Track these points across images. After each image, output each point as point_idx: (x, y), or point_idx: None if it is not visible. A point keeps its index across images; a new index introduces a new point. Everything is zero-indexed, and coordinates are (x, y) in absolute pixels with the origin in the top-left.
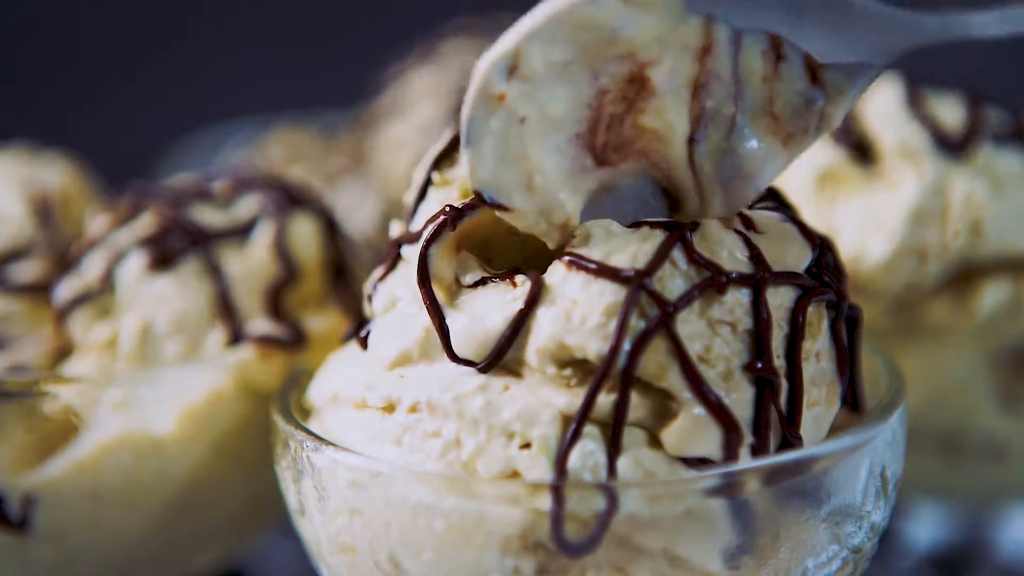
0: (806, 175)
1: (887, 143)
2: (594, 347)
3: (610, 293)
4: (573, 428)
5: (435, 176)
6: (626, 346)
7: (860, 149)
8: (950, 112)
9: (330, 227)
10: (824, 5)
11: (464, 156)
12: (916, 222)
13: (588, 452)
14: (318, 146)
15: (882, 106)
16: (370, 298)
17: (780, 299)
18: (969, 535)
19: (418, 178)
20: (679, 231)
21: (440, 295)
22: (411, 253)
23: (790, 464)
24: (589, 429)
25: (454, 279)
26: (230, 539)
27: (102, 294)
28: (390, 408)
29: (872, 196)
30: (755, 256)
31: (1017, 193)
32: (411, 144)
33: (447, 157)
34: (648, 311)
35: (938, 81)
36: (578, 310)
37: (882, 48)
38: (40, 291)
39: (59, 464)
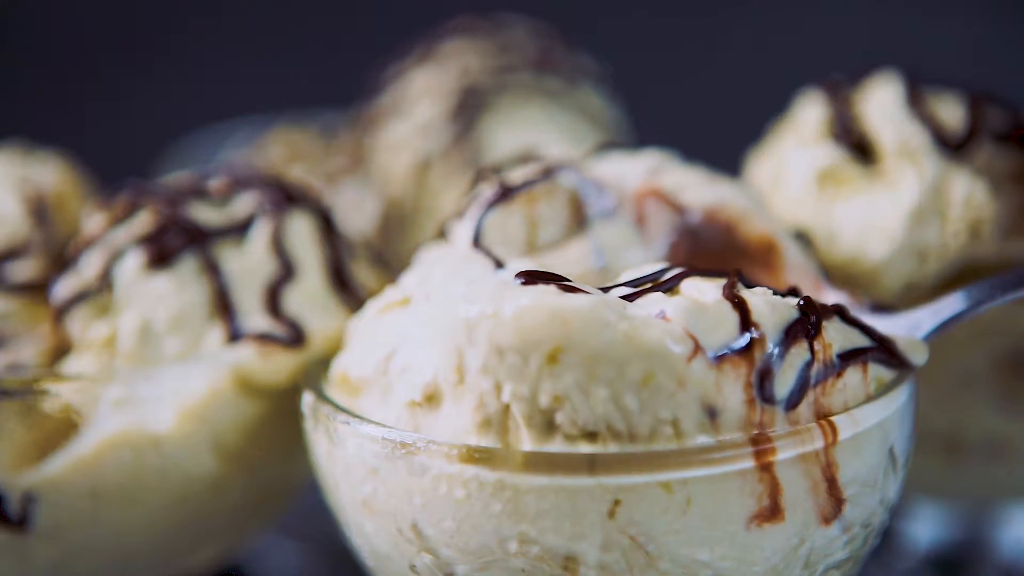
0: (806, 175)
1: (887, 143)
2: None
3: None
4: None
5: None
6: None
7: (860, 149)
8: (950, 112)
9: (327, 225)
10: None
11: None
12: (916, 222)
13: None
14: (318, 146)
15: (882, 106)
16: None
17: None
18: (969, 535)
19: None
20: None
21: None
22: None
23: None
24: None
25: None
26: (230, 537)
27: (100, 292)
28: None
29: (872, 196)
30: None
31: (1017, 193)
32: (411, 144)
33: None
34: None
35: (938, 81)
36: None
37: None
38: (37, 290)
39: (59, 462)
